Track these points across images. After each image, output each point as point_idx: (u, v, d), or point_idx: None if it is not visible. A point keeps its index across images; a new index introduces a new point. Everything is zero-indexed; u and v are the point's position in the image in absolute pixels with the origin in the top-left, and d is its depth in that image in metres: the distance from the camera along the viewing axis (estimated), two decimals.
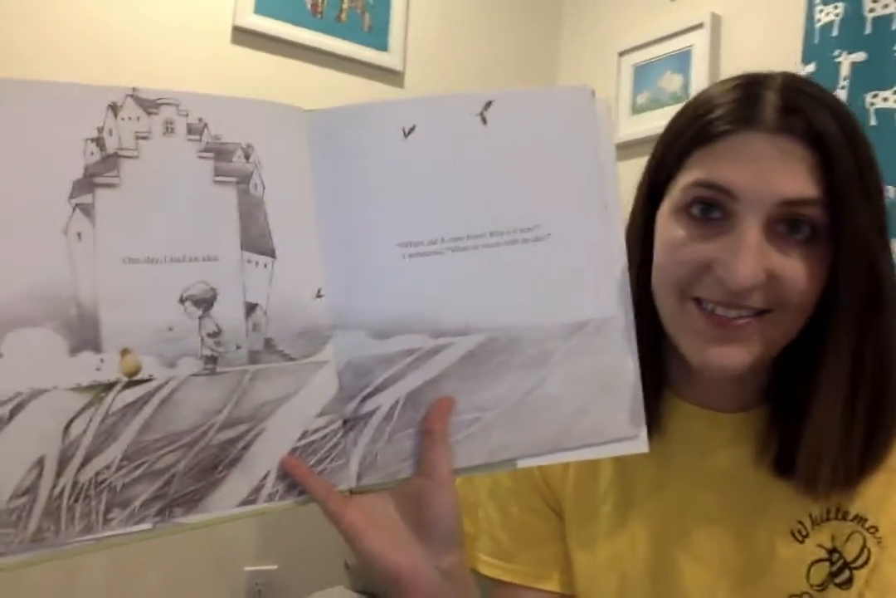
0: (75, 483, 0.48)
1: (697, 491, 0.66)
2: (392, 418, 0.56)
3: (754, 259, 0.56)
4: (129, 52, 1.86)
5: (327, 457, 0.55)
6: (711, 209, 0.59)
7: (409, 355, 0.56)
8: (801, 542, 0.62)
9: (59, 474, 0.48)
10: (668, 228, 0.62)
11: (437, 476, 0.56)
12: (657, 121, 2.06)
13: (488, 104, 0.55)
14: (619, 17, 2.30)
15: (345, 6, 2.08)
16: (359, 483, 0.56)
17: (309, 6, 2.04)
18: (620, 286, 0.58)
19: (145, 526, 0.51)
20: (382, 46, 2.13)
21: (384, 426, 0.56)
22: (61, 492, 0.48)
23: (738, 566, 0.64)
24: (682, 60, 2.05)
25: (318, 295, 0.54)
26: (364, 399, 0.56)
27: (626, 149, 2.15)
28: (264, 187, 0.52)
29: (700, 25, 1.98)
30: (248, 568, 1.93)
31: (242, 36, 1.98)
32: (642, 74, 2.17)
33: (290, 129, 0.53)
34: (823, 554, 0.61)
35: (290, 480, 0.55)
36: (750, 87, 0.60)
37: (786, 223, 0.58)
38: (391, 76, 2.17)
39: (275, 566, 1.95)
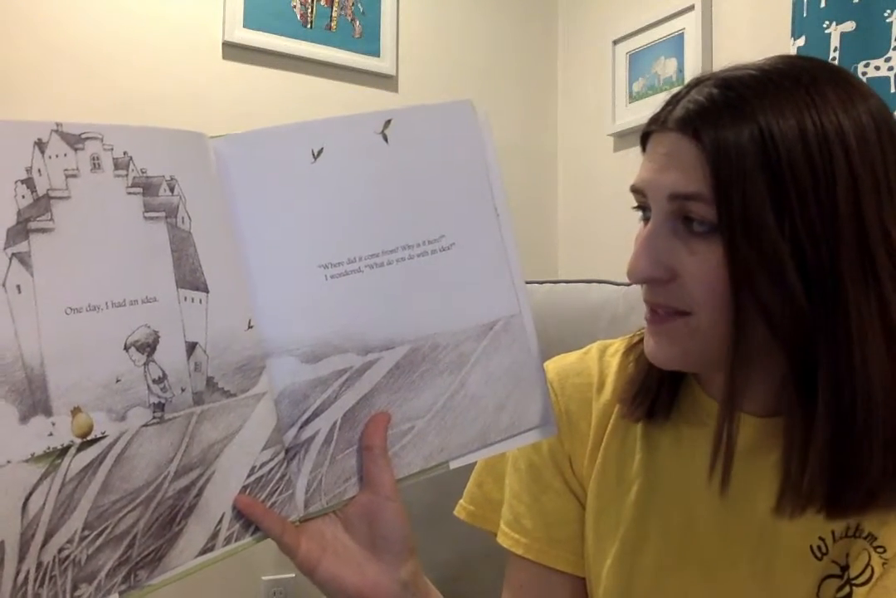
0: (39, 565, 0.43)
1: (715, 495, 0.58)
2: (332, 440, 0.56)
3: (643, 254, 0.57)
4: (121, 74, 1.85)
5: (276, 490, 0.54)
6: (646, 211, 0.61)
7: (342, 376, 0.56)
8: (820, 559, 0.59)
9: (21, 558, 0.42)
10: None
11: (382, 490, 0.57)
12: (654, 108, 2.02)
13: (387, 123, 0.57)
14: (613, 4, 2.26)
15: (335, 15, 2.08)
16: (306, 511, 0.56)
17: (298, 17, 2.04)
18: (518, 284, 0.62)
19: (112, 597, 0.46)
20: (374, 52, 2.15)
21: (325, 450, 0.56)
22: (25, 578, 0.42)
23: (747, 577, 0.61)
24: (674, 45, 2.01)
25: (249, 326, 0.52)
26: (303, 426, 0.55)
27: (624, 137, 2.17)
28: (190, 220, 0.49)
29: (691, 8, 1.95)
30: (265, 577, 1.91)
31: (233, 51, 1.97)
32: (637, 61, 2.13)
33: (200, 157, 0.51)
34: (837, 570, 0.58)
35: (245, 519, 0.53)
36: (681, 88, 0.59)
37: (683, 219, 0.56)
38: (385, 81, 2.17)
39: (292, 575, 1.90)
